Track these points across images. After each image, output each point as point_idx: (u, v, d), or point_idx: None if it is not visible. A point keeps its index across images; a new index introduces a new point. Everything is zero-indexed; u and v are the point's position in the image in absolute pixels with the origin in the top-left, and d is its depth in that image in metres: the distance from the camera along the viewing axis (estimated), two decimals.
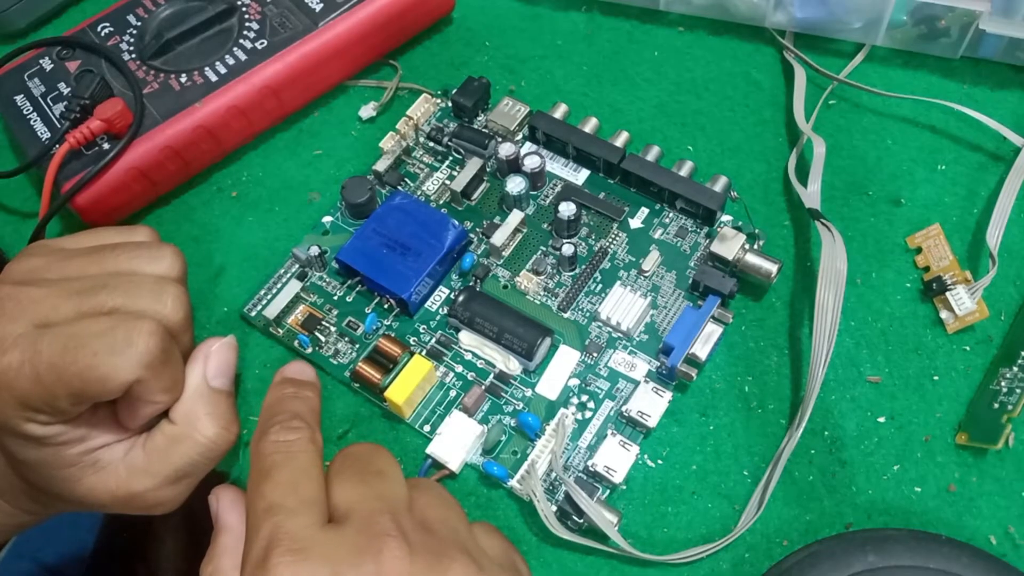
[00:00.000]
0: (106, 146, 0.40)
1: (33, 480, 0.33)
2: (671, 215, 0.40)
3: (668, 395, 0.35)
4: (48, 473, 0.32)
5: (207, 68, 0.42)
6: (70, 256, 0.34)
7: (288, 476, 0.29)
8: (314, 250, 0.40)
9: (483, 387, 0.37)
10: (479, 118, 0.44)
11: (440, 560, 0.28)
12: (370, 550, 0.27)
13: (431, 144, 0.43)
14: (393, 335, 0.38)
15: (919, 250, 0.39)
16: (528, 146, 0.43)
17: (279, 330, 0.39)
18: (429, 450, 0.35)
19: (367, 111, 0.45)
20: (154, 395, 0.32)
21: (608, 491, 0.35)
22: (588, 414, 0.36)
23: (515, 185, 0.40)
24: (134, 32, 0.44)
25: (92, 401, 0.31)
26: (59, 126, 0.41)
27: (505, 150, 0.41)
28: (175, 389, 0.33)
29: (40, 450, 0.31)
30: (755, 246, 0.38)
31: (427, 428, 0.36)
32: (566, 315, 0.38)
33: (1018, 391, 0.34)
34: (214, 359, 0.34)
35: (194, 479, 0.34)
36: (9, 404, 0.30)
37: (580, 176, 0.42)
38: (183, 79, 0.42)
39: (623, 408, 0.36)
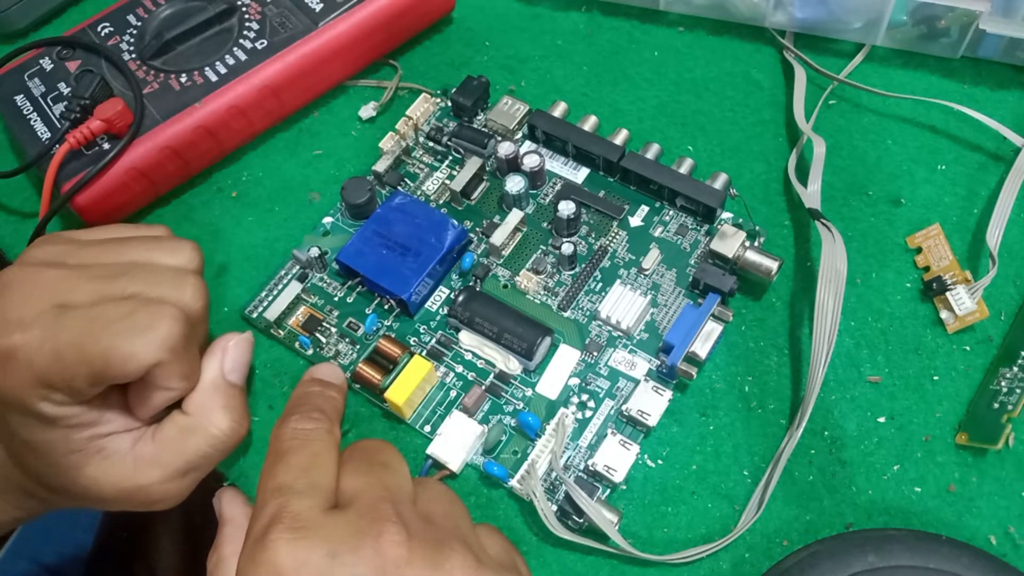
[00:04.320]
0: (106, 146, 0.40)
1: (35, 468, 0.33)
2: (671, 213, 0.40)
3: (668, 394, 0.35)
4: (53, 459, 0.32)
5: (207, 68, 0.42)
6: (87, 245, 0.34)
7: (301, 460, 0.30)
8: (314, 251, 0.40)
9: (483, 387, 0.37)
10: (479, 117, 0.44)
11: (439, 549, 0.28)
12: (370, 533, 0.27)
13: (431, 144, 0.43)
14: (393, 336, 0.38)
15: (919, 250, 0.39)
16: (527, 145, 0.43)
17: (280, 331, 0.39)
18: (429, 450, 0.35)
19: (367, 111, 0.45)
20: (172, 380, 0.32)
21: (608, 491, 0.35)
22: (588, 413, 0.36)
23: (515, 184, 0.40)
24: (134, 32, 0.44)
25: (110, 382, 0.31)
26: (59, 126, 0.40)
27: (504, 149, 0.41)
28: (192, 377, 0.33)
29: (50, 431, 0.31)
30: (755, 243, 0.38)
31: (427, 428, 0.36)
32: (566, 314, 0.38)
33: (1018, 391, 0.34)
34: (232, 353, 0.35)
35: (201, 473, 0.34)
36: (27, 381, 0.30)
37: (580, 174, 0.42)
38: (183, 79, 0.42)
39: (623, 407, 0.36)
